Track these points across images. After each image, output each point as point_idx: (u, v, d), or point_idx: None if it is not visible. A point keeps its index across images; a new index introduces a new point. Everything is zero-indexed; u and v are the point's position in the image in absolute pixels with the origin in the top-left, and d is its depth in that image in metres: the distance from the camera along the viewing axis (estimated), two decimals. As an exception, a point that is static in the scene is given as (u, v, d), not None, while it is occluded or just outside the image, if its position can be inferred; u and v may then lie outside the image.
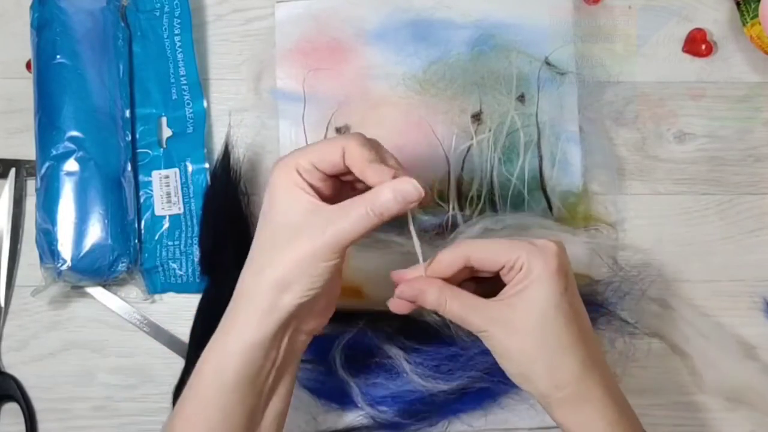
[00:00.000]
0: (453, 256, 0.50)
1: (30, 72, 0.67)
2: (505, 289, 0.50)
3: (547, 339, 0.49)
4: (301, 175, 0.47)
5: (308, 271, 0.46)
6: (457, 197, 0.66)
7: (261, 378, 0.48)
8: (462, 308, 0.50)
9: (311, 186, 0.47)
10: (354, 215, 0.46)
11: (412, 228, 0.51)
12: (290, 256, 0.46)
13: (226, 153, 0.65)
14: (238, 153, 0.66)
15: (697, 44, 0.70)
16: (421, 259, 0.51)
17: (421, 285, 0.50)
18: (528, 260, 0.48)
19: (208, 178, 0.66)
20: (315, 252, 0.46)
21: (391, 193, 0.46)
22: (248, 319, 0.47)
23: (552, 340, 0.49)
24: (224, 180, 0.64)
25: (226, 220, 0.63)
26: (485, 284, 0.52)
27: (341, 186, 0.50)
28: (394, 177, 0.47)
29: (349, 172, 0.48)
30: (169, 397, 0.62)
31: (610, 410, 0.49)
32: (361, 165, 0.47)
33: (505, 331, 0.49)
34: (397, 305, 0.52)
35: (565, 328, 0.49)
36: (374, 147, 0.49)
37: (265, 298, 0.47)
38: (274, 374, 0.49)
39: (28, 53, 0.66)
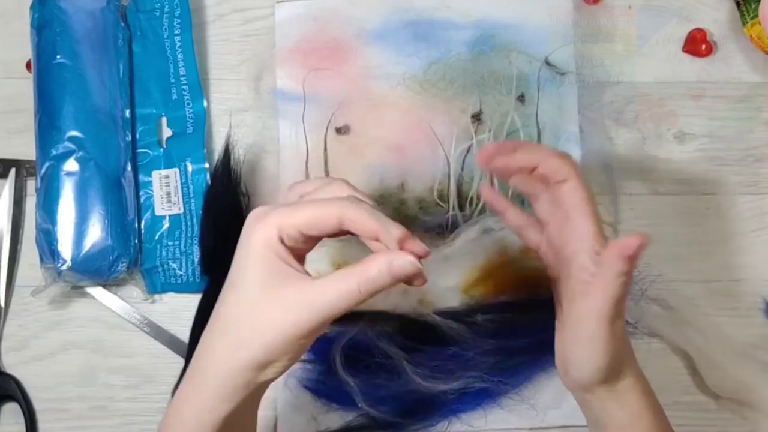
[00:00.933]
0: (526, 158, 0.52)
1: (30, 72, 0.67)
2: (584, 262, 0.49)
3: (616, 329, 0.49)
4: (283, 242, 0.43)
5: (289, 349, 0.43)
6: (457, 197, 0.66)
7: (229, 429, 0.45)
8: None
9: (292, 251, 0.43)
10: (343, 290, 0.42)
11: None
12: (272, 337, 0.42)
13: (227, 153, 0.64)
14: (239, 153, 0.65)
15: (697, 44, 0.70)
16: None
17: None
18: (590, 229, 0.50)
19: (208, 178, 0.65)
20: (299, 332, 0.42)
21: (386, 267, 0.42)
22: (222, 394, 0.43)
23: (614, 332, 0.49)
24: (225, 180, 0.64)
25: (227, 220, 0.63)
26: None
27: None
28: (402, 240, 0.43)
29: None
30: (169, 397, 0.62)
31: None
32: (370, 236, 0.43)
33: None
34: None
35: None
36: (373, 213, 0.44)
37: (241, 375, 0.43)
38: (241, 422, 0.46)
39: (28, 53, 0.66)
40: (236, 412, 0.44)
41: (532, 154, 0.52)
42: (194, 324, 0.63)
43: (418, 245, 0.44)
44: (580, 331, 0.49)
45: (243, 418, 0.46)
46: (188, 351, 0.64)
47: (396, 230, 0.43)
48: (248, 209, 0.65)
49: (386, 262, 0.42)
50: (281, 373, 0.44)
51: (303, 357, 0.64)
